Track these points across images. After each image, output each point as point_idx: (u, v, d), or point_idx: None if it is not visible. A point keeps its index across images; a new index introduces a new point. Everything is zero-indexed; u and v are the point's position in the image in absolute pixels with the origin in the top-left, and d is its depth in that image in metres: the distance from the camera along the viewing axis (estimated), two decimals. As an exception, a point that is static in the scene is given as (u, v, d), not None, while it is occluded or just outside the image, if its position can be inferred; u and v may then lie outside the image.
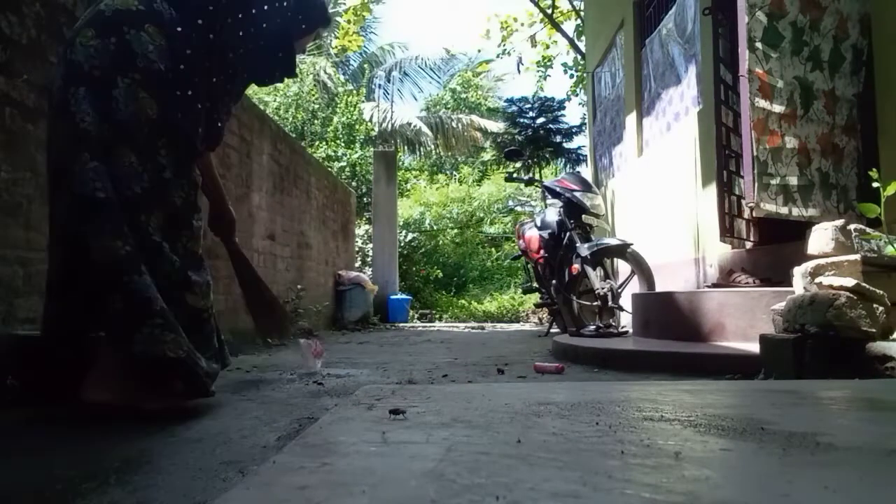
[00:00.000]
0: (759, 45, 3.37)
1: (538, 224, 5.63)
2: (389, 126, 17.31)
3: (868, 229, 2.35)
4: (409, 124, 17.48)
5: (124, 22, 1.73)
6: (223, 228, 2.26)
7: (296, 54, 2.12)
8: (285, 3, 2.00)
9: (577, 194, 4.86)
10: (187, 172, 1.85)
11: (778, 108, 3.43)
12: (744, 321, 3.09)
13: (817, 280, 2.06)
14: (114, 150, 1.68)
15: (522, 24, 14.56)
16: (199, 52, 1.84)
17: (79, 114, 1.67)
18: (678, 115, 5.85)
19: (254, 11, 1.92)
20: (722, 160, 3.95)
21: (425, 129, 17.46)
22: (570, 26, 14.20)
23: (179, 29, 1.80)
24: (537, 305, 6.43)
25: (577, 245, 4.59)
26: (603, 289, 4.28)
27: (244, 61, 1.95)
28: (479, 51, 22.71)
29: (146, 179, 1.71)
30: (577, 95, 14.53)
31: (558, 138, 12.30)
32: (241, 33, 1.91)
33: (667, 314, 3.58)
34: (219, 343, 1.99)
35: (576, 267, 4.61)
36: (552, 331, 5.80)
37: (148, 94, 1.72)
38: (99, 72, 1.71)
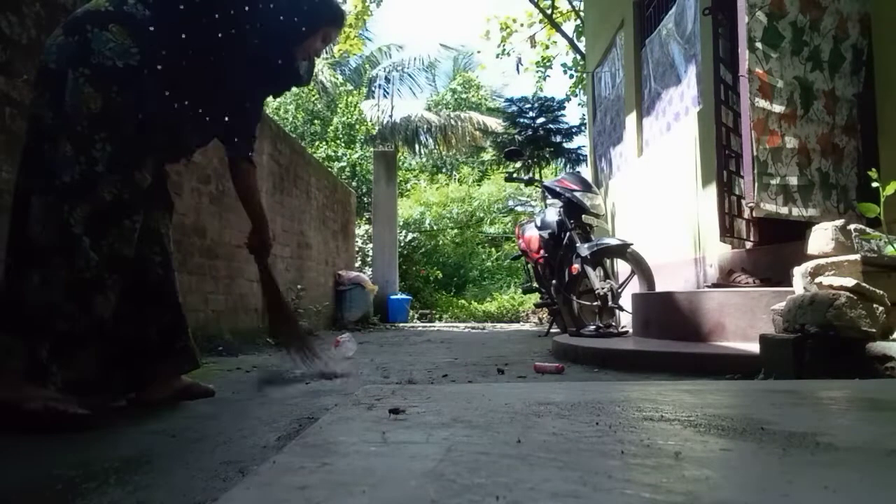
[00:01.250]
0: (759, 45, 3.37)
1: (538, 224, 5.63)
2: (389, 123, 17.28)
3: (868, 229, 2.35)
4: (410, 122, 17.47)
5: (89, 21, 1.76)
6: (257, 250, 2.30)
7: (303, 60, 2.04)
8: (272, 6, 1.94)
9: (577, 194, 4.86)
10: (124, 170, 1.78)
11: (778, 108, 3.43)
12: (744, 321, 3.09)
13: (817, 280, 2.06)
14: (56, 139, 1.70)
15: (522, 25, 14.58)
16: (173, 51, 1.81)
17: (42, 113, 1.73)
18: (678, 115, 5.85)
19: (232, 12, 1.87)
20: (722, 160, 3.95)
21: (425, 128, 17.45)
22: (569, 27, 14.22)
23: (151, 28, 1.79)
24: (537, 305, 6.43)
25: (577, 245, 4.59)
26: (603, 289, 4.28)
27: (232, 66, 1.89)
28: (479, 52, 22.76)
29: (77, 171, 1.69)
30: (576, 96, 14.55)
31: (558, 138, 12.29)
32: (219, 35, 1.86)
33: (667, 314, 3.58)
34: (183, 345, 2.02)
35: (576, 267, 4.61)
36: (552, 331, 5.80)
37: (94, 90, 1.72)
38: (55, 65, 1.74)
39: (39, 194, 1.68)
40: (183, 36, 1.82)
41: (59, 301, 1.66)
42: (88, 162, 1.71)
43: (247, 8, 1.88)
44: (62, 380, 1.67)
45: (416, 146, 17.84)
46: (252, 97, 2.06)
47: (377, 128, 17.20)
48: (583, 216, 4.85)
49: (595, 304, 4.34)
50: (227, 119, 1.98)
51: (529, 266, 6.31)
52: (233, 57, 1.89)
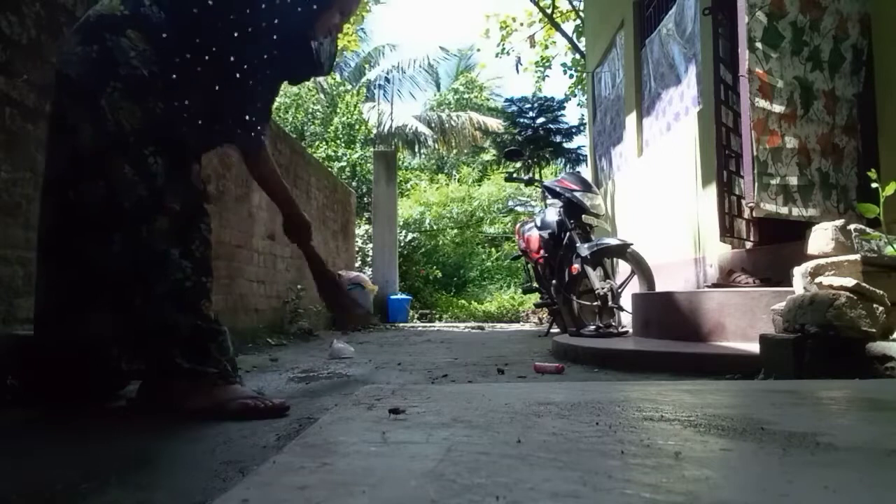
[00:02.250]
0: (759, 45, 3.37)
1: (538, 224, 5.63)
2: (387, 128, 17.29)
3: (868, 229, 2.35)
4: (409, 125, 17.46)
5: (106, 28, 1.71)
6: (297, 234, 2.20)
7: (323, 38, 1.95)
8: None
9: (577, 194, 4.86)
10: (181, 177, 1.80)
11: (778, 108, 3.43)
12: (744, 321, 3.09)
13: (817, 280, 2.06)
14: (110, 161, 1.67)
15: (522, 24, 14.58)
16: (188, 56, 1.78)
17: (79, 128, 1.68)
18: (678, 115, 5.85)
19: (248, 11, 1.83)
20: (722, 160, 3.96)
21: (425, 129, 17.45)
22: (569, 27, 14.23)
23: (165, 35, 1.75)
24: (537, 305, 6.43)
25: (577, 245, 4.59)
26: (603, 289, 4.28)
27: (248, 63, 1.85)
28: (478, 50, 22.81)
29: (143, 189, 1.68)
30: (575, 96, 14.55)
31: (558, 138, 12.31)
32: (235, 34, 1.82)
33: (667, 314, 3.58)
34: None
35: (576, 267, 4.61)
36: (552, 331, 5.79)
37: (131, 103, 1.68)
38: (85, 81, 1.69)
39: (112, 222, 1.67)
40: (197, 41, 1.78)
41: (170, 310, 1.69)
42: (149, 177, 1.69)
43: (263, 5, 1.82)
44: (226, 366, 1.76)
45: (416, 146, 17.85)
46: (270, 88, 2.00)
47: (375, 130, 17.20)
48: (583, 216, 4.84)
49: (595, 304, 4.34)
50: (244, 116, 1.92)
51: (529, 266, 6.31)
52: (250, 54, 1.83)
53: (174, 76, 1.75)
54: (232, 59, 1.82)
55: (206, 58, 1.80)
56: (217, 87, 1.83)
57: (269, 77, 1.94)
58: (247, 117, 1.92)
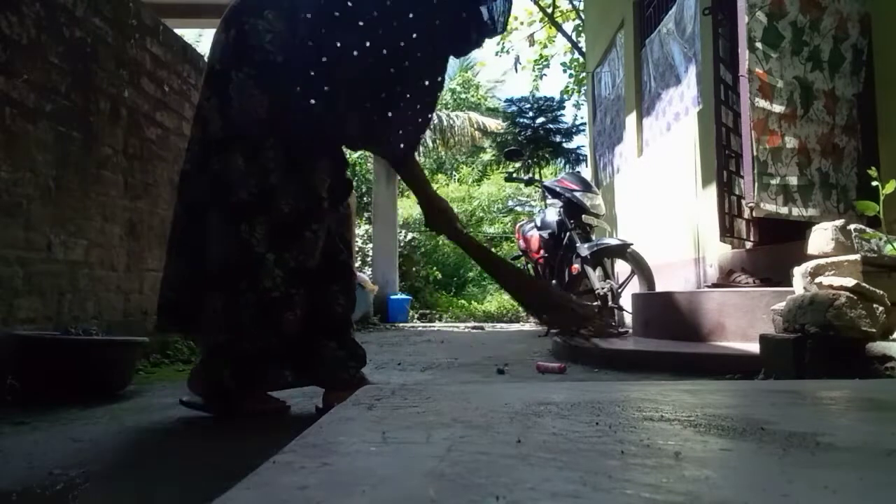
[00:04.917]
0: (759, 45, 3.37)
1: (538, 224, 5.63)
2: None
3: (868, 229, 2.35)
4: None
5: (245, 11, 1.60)
6: (436, 222, 1.92)
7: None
8: None
9: (577, 194, 4.86)
10: (298, 178, 1.62)
11: (778, 108, 3.43)
12: (744, 321, 3.09)
13: (817, 280, 2.06)
14: (225, 151, 1.57)
15: (522, 23, 14.59)
16: (330, 36, 1.59)
17: (209, 118, 1.60)
18: (678, 115, 5.85)
19: None
20: (722, 160, 3.96)
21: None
22: (568, 26, 14.24)
23: (306, 15, 1.58)
24: (537, 305, 6.42)
25: (577, 245, 4.59)
26: (603, 289, 4.28)
27: (402, 38, 1.62)
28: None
29: (252, 185, 1.56)
30: (571, 97, 14.56)
31: (558, 138, 12.31)
32: (387, 2, 1.62)
33: (667, 314, 3.58)
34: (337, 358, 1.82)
35: (576, 267, 4.62)
36: (552, 331, 5.79)
37: (260, 91, 1.56)
38: (220, 66, 1.60)
39: (216, 214, 1.57)
40: (337, 14, 1.59)
41: (247, 324, 1.58)
42: (261, 174, 1.57)
43: None
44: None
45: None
46: (433, 70, 1.71)
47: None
48: (583, 216, 4.85)
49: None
50: (398, 108, 1.68)
51: (529, 266, 6.30)
52: (405, 27, 1.62)
53: (312, 61, 1.58)
54: (381, 31, 1.61)
55: (354, 36, 1.59)
56: (366, 72, 1.62)
57: (430, 54, 1.68)
58: (402, 108, 1.68)
